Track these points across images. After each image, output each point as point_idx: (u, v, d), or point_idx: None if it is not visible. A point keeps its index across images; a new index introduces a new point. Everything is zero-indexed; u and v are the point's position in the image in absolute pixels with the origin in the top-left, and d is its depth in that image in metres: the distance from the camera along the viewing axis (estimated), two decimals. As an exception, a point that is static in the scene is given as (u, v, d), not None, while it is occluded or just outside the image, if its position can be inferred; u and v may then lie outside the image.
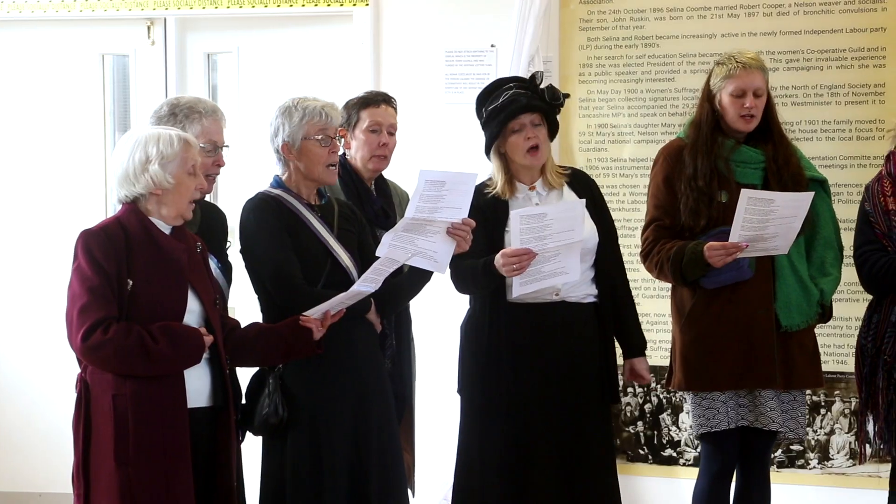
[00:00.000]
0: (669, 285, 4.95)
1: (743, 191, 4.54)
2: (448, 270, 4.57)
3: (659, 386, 6.06)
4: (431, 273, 4.58)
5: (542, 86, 4.81)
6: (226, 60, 6.91)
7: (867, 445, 4.91)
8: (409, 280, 4.57)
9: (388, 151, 5.11)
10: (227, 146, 4.58)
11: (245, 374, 4.49)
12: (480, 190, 4.77)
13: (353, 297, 4.31)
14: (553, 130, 4.84)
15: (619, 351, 4.93)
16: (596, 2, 6.30)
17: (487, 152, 4.82)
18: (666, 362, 5.03)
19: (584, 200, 4.63)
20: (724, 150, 4.79)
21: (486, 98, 4.82)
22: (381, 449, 4.54)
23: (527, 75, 5.22)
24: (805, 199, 4.61)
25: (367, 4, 6.52)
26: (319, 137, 4.50)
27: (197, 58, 6.92)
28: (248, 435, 4.48)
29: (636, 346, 4.91)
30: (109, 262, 3.92)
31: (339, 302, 4.27)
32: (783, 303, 4.76)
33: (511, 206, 4.72)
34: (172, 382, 3.98)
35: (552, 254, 4.54)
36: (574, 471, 4.69)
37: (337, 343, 4.39)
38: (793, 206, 4.58)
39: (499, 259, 4.54)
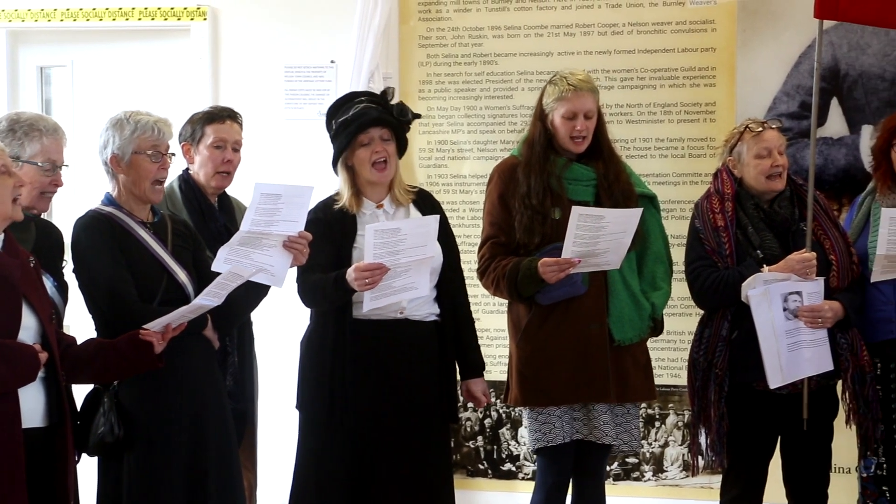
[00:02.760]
0: (507, 301, 4.99)
1: (574, 208, 4.59)
2: (284, 284, 4.53)
3: (498, 401, 6.11)
4: (268, 287, 4.55)
5: (392, 102, 4.83)
6: (60, 74, 6.79)
7: (699, 457, 4.99)
8: (246, 294, 4.50)
9: (231, 168, 5.08)
10: (66, 165, 4.50)
11: (79, 392, 4.41)
12: (329, 204, 4.78)
13: (194, 311, 4.26)
14: (402, 148, 4.86)
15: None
16: (435, 19, 6.34)
17: (335, 165, 4.82)
18: (505, 377, 5.06)
19: (437, 217, 4.65)
20: (556, 168, 4.83)
21: (337, 110, 4.82)
22: (220, 468, 4.48)
23: (368, 90, 5.24)
24: (634, 214, 4.69)
25: (204, 19, 6.47)
26: (150, 153, 4.45)
27: (29, 71, 6.78)
28: (84, 455, 4.39)
29: (473, 367, 4.93)
30: (-63, 279, 3.83)
31: (180, 315, 4.22)
32: (616, 317, 4.82)
33: (359, 220, 4.72)
34: (6, 401, 3.87)
35: (403, 269, 4.55)
36: (412, 488, 4.68)
37: (173, 360, 4.32)
38: (622, 222, 4.65)
39: (351, 273, 4.53)
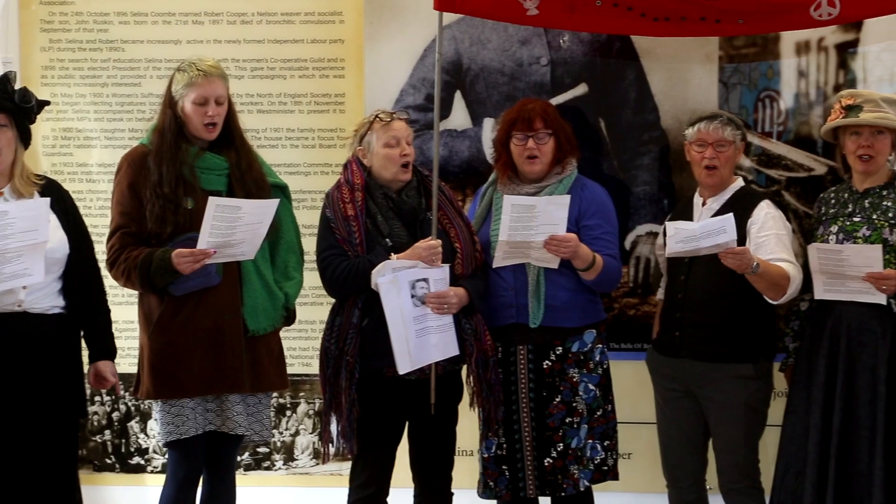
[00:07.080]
0: (138, 292, 4.91)
1: (210, 199, 4.58)
2: None
3: (127, 394, 6.01)
4: None
5: (16, 87, 4.68)
6: None
7: (330, 445, 5.07)
8: None
9: None
10: None
11: None
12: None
13: None
14: (24, 136, 4.72)
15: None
16: (58, 3, 6.19)
17: None
18: (135, 370, 4.97)
19: (48, 200, 4.55)
20: (188, 157, 4.80)
21: None
22: None
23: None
24: (270, 205, 4.72)
25: None
26: None
27: None
28: None
29: (103, 349, 4.85)
30: None
31: None
32: (250, 308, 4.83)
33: (-27, 207, 4.56)
34: None
35: (14, 255, 4.42)
36: (30, 486, 4.57)
37: None
38: (259, 213, 4.68)
39: None
